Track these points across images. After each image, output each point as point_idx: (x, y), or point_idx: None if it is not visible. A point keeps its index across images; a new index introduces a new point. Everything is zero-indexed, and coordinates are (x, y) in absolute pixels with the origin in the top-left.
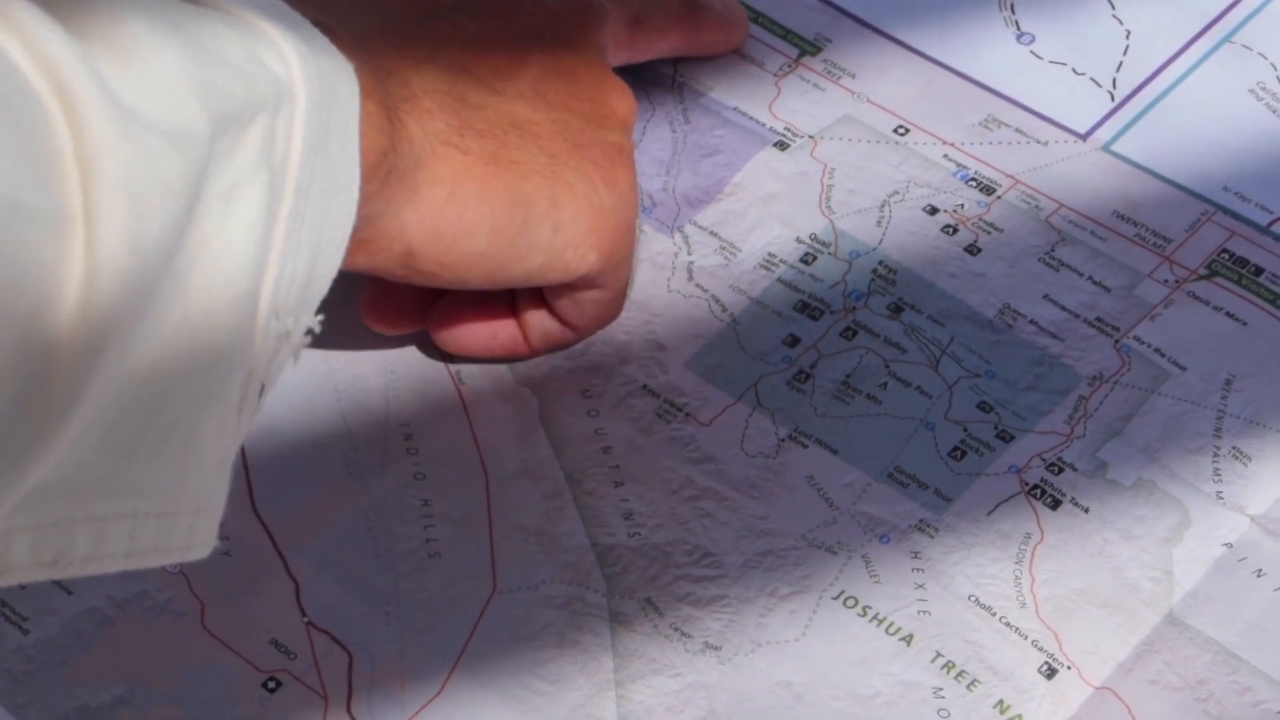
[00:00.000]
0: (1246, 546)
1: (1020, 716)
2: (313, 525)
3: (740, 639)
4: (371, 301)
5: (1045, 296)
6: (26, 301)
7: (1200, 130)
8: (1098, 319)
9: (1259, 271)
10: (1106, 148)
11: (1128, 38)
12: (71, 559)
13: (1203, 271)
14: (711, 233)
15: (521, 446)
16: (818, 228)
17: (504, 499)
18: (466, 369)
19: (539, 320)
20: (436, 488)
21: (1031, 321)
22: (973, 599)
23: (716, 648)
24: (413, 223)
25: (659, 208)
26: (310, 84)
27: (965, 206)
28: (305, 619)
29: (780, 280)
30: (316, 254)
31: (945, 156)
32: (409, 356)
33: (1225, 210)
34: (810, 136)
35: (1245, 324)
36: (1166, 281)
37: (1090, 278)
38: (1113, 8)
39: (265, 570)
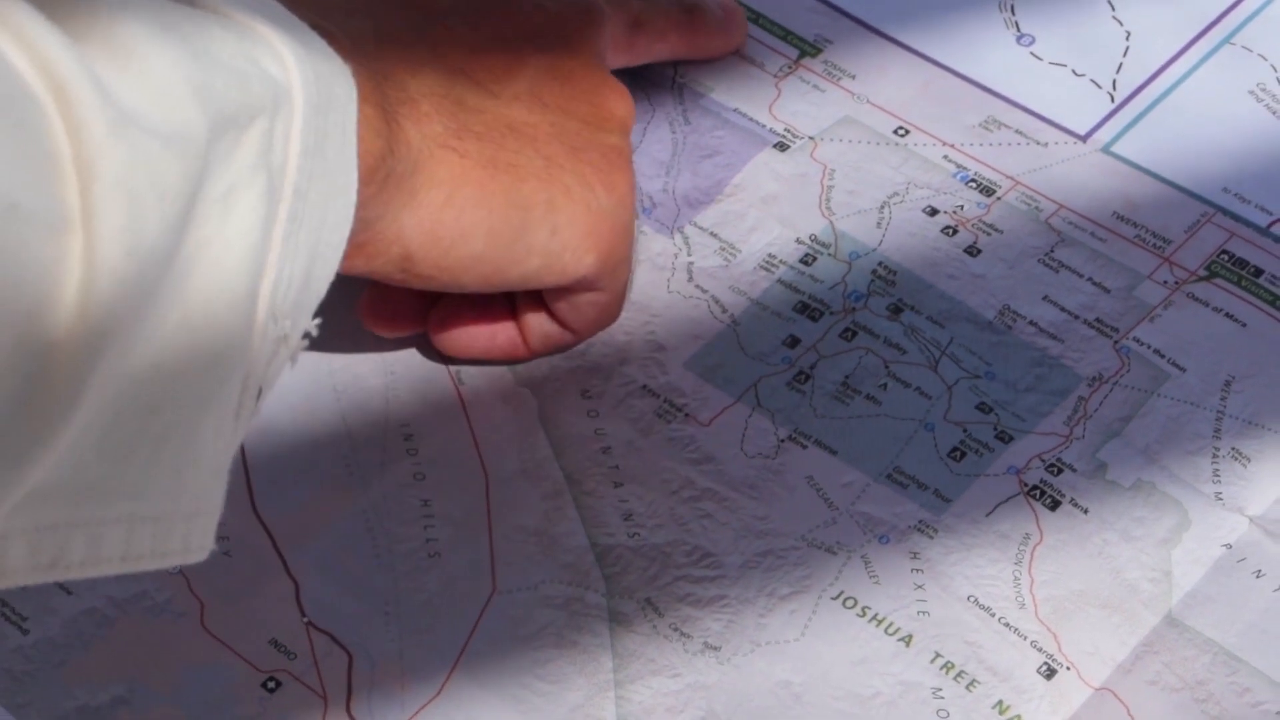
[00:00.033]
0: (1246, 547)
1: (1019, 717)
2: (312, 525)
3: (740, 639)
4: (371, 304)
5: (1045, 298)
6: (25, 302)
7: (1200, 131)
8: (1097, 320)
9: (1258, 273)
10: (1106, 149)
11: (1128, 39)
12: (69, 562)
13: (1202, 273)
14: (711, 234)
15: (521, 447)
16: (818, 229)
17: (503, 499)
18: (466, 369)
19: (538, 323)
20: (436, 488)
21: (1031, 322)
22: (972, 599)
23: (716, 648)
24: (410, 226)
25: (659, 209)
26: (308, 87)
27: (965, 208)
28: (305, 619)
29: (780, 281)
30: (314, 257)
31: (945, 158)
32: (409, 357)
33: (1225, 211)
34: (810, 138)
35: (1245, 325)
36: (1166, 283)
37: (1090, 279)
38: (1113, 9)
39: (265, 570)
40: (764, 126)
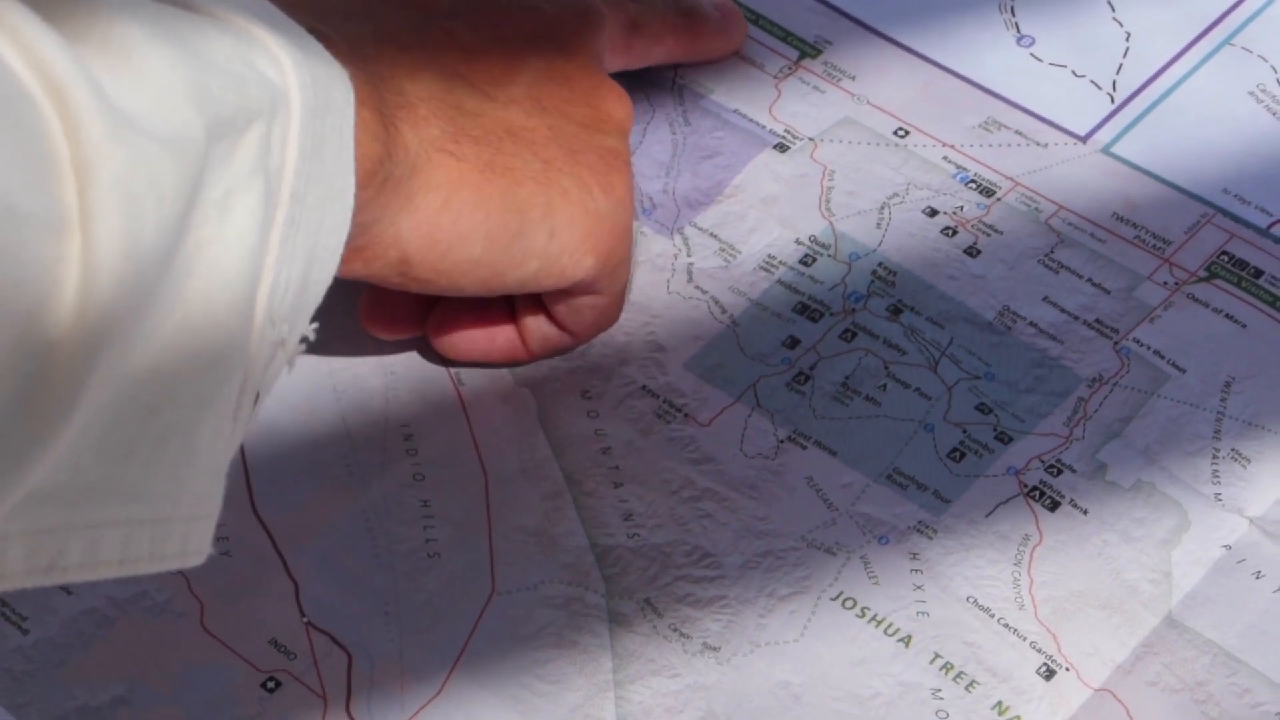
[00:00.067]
0: (1245, 548)
1: (1019, 718)
2: (312, 525)
3: (739, 640)
4: (369, 307)
5: (1045, 298)
6: (24, 303)
7: (1200, 132)
8: (1097, 321)
9: (1259, 274)
10: (1106, 150)
11: (1128, 40)
12: (66, 565)
13: (1202, 274)
14: (711, 234)
15: (521, 447)
16: (817, 230)
17: (503, 499)
18: (466, 370)
19: (537, 326)
20: (436, 488)
21: (1031, 323)
22: (971, 600)
23: (715, 648)
24: (408, 230)
25: (659, 209)
26: (305, 91)
27: (965, 208)
28: (305, 619)
29: (780, 282)
30: (311, 260)
31: (945, 159)
32: (409, 357)
33: (1225, 212)
34: (810, 139)
35: (1244, 326)
36: (1166, 284)
37: (1090, 280)
38: (1113, 10)
39: (265, 570)
40: (764, 127)
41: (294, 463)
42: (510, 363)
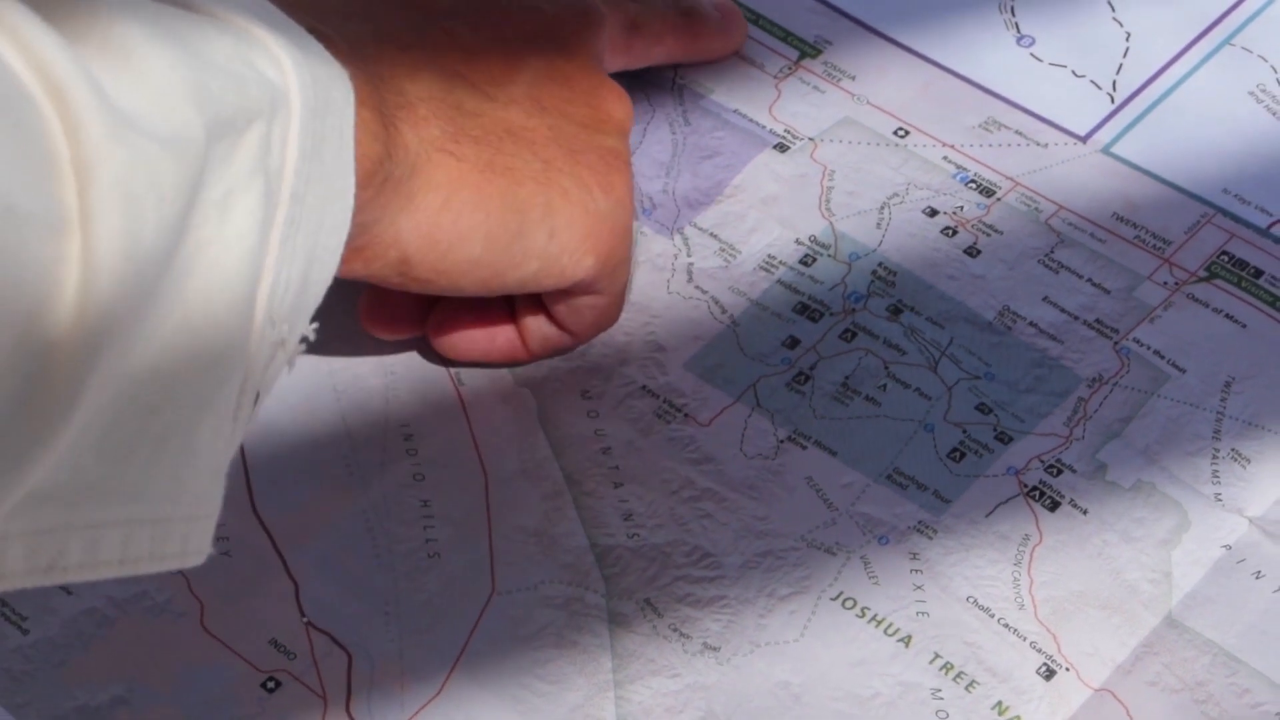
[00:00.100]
0: (1245, 548)
1: (1019, 718)
2: (312, 525)
3: (739, 640)
4: (369, 307)
5: (1045, 298)
6: (25, 303)
7: (1200, 133)
8: (1097, 321)
9: (1259, 274)
10: (1106, 150)
11: (1128, 40)
12: (66, 566)
13: (1202, 274)
14: (711, 234)
15: (521, 447)
16: (817, 230)
17: (503, 500)
18: (466, 370)
19: (537, 326)
20: (436, 488)
21: (1031, 323)
22: (971, 600)
23: (715, 648)
24: (408, 230)
25: (659, 209)
26: (305, 91)
27: (965, 208)
28: (304, 619)
29: (780, 282)
30: (311, 260)
31: (945, 159)
32: (409, 357)
33: (1225, 212)
34: (810, 139)
35: (1244, 326)
36: (1166, 284)
37: (1090, 280)
38: (1113, 10)
39: (265, 570)
40: (764, 127)
41: (294, 463)
42: (510, 363)
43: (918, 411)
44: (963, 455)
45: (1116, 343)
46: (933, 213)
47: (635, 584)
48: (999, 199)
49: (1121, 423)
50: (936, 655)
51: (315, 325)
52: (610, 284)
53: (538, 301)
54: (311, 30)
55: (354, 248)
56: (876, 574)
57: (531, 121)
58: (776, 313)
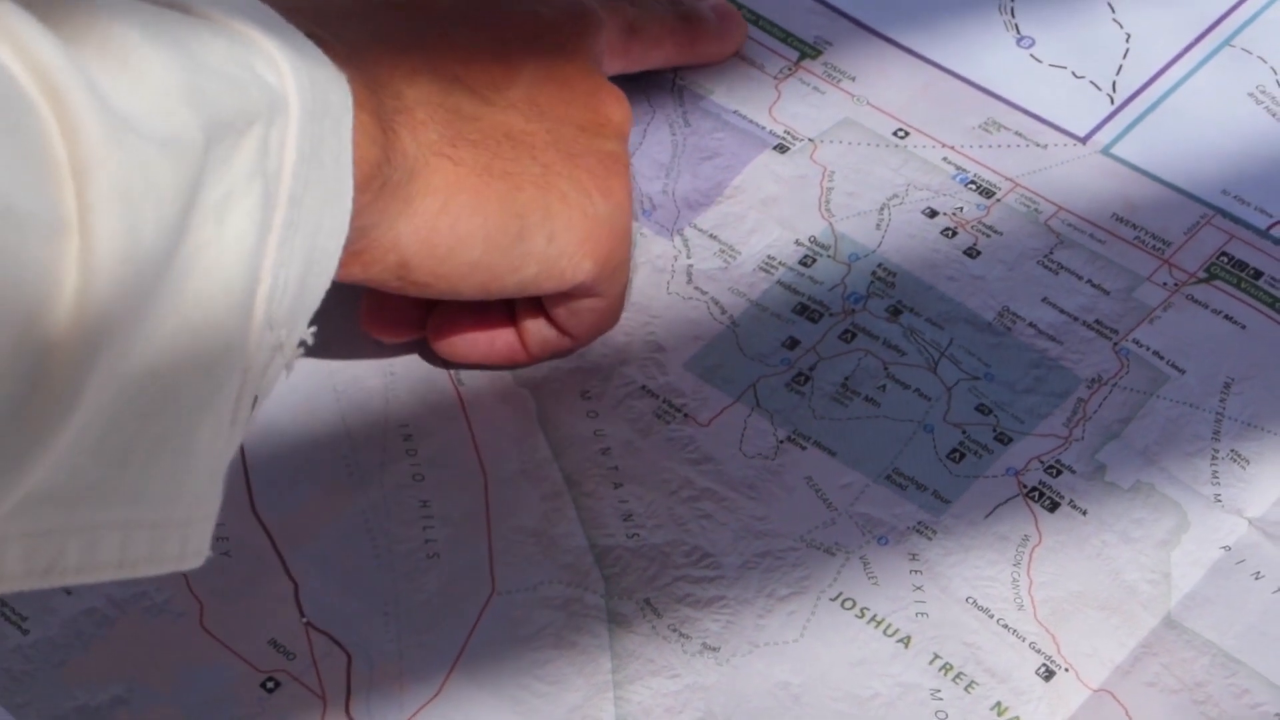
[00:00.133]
0: (1245, 549)
1: (1018, 718)
2: (312, 526)
3: (738, 640)
4: (369, 310)
5: (1044, 299)
6: (23, 305)
7: (1200, 134)
8: (1096, 322)
9: (1258, 275)
10: (1106, 151)
11: (1128, 41)
12: (64, 568)
13: (1202, 274)
14: (711, 235)
15: (520, 448)
16: (817, 230)
17: (503, 500)
18: (466, 370)
19: (537, 328)
20: (435, 488)
21: (1030, 324)
22: (970, 601)
23: (715, 649)
24: (407, 234)
25: (659, 210)
26: (303, 94)
27: (964, 209)
28: (304, 619)
29: (779, 283)
30: (310, 264)
31: (945, 159)
32: (409, 357)
33: (1224, 213)
34: (810, 139)
35: (1244, 327)
36: (1165, 284)
37: (1089, 280)
38: (1113, 11)
39: (264, 570)
40: (764, 128)
41: (294, 463)
42: (510, 365)
43: (917, 412)
44: (962, 456)
45: (1116, 344)
46: (932, 214)
47: (634, 584)
48: (999, 200)
49: (1121, 423)
50: (936, 656)
51: (314, 329)
52: (609, 287)
53: (537, 304)
54: (309, 34)
55: (352, 252)
56: (876, 574)
57: (530, 125)
58: (776, 313)
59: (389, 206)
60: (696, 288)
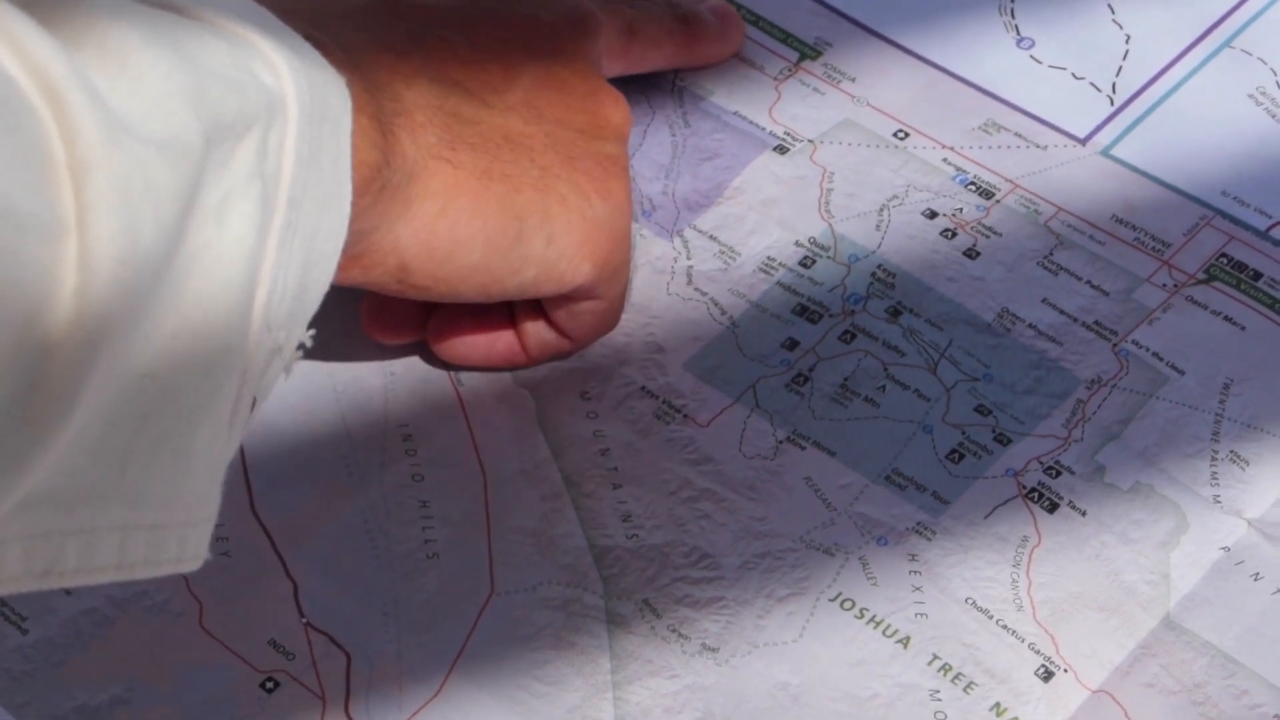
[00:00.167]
0: (1244, 550)
1: (1017, 719)
2: (311, 526)
3: (738, 640)
4: (370, 312)
5: (1044, 300)
6: (21, 306)
7: (1199, 135)
8: (1096, 323)
9: (1257, 276)
10: (1106, 152)
11: (1127, 42)
12: (63, 570)
13: (1201, 276)
14: (711, 236)
15: (520, 448)
16: (817, 231)
17: (502, 500)
18: (466, 371)
19: (537, 330)
20: (435, 489)
21: (1030, 325)
22: (970, 602)
23: (714, 649)
24: (406, 237)
25: (659, 211)
26: (302, 97)
27: (964, 210)
28: (303, 619)
29: (779, 284)
30: (309, 267)
31: (944, 160)
32: (408, 358)
33: (1224, 215)
34: (810, 140)
35: (1243, 328)
36: (1165, 286)
37: (1089, 282)
38: (1112, 12)
39: (264, 570)
40: (764, 129)
41: (293, 463)
42: (510, 367)
43: (917, 413)
44: (961, 457)
45: (1115, 345)
46: (932, 215)
47: (634, 585)
48: (998, 201)
49: (1120, 424)
50: (935, 656)
51: (312, 332)
52: (609, 289)
53: (537, 307)
54: (308, 37)
55: (352, 255)
56: (875, 575)
57: (529, 128)
58: (776, 314)
59: (388, 210)
60: (696, 289)
